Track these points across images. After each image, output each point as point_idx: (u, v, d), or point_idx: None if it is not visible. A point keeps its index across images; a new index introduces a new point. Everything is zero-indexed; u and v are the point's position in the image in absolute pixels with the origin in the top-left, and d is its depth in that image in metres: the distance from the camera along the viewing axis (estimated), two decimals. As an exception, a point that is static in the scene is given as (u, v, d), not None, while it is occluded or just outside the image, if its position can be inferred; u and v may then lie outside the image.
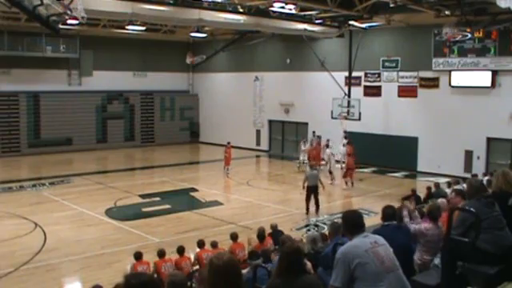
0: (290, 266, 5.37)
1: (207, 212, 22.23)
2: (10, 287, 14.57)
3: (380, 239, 5.70)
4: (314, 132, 34.50)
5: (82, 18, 19.37)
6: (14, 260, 16.26)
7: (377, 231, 7.36)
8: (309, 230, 19.39)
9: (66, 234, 18.96)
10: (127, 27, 36.01)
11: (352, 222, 5.90)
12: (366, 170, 31.88)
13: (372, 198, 24.59)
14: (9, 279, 14.94)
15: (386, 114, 32.61)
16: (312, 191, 22.01)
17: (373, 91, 33.41)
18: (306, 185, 22.13)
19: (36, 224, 20.18)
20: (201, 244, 14.01)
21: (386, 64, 32.76)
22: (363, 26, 31.79)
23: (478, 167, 27.82)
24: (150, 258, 13.26)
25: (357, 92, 33.62)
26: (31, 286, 14.12)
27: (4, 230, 19.43)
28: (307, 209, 22.00)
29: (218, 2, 26.36)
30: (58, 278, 15.07)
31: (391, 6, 24.97)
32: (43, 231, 19.26)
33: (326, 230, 16.90)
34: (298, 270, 5.41)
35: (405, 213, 9.25)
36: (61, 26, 23.08)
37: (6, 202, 23.76)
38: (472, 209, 6.75)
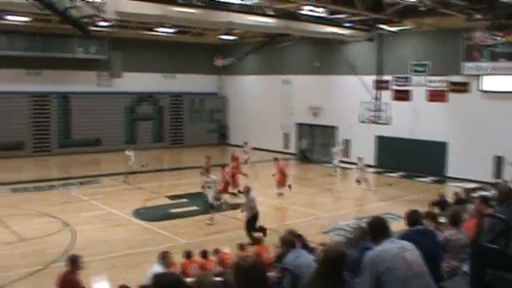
0: (330, 270, 5.32)
1: (234, 214, 22.24)
2: (39, 284, 14.78)
3: (407, 244, 5.66)
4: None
5: (113, 19, 19.54)
6: (44, 258, 16.49)
7: (403, 236, 7.31)
8: (336, 235, 19.31)
9: (94, 234, 19.14)
10: (157, 29, 36.30)
11: (378, 229, 5.88)
12: (394, 175, 31.70)
13: (400, 202, 24.40)
14: (38, 276, 15.16)
15: (414, 119, 32.31)
16: None
17: (402, 95, 33.18)
18: None
19: (65, 223, 20.42)
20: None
21: (416, 68, 32.51)
22: (392, 29, 31.61)
23: (509, 173, 27.46)
24: (177, 259, 13.30)
25: (386, 96, 33.46)
26: (59, 285, 14.25)
27: (34, 228, 19.68)
28: None
29: (248, 5, 26.41)
30: (86, 276, 15.13)
31: (421, 9, 24.83)
32: (72, 230, 19.48)
33: (352, 235, 16.82)
34: (339, 275, 5.35)
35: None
36: (91, 28, 23.37)
37: (37, 201, 24.07)
38: (502, 215, 6.67)
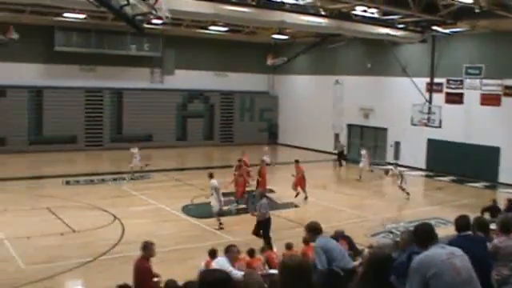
0: (375, 273, 5.30)
1: (282, 213, 22.25)
2: (88, 276, 15.09)
3: (457, 250, 5.57)
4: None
5: (166, 17, 19.75)
6: (93, 250, 16.82)
7: (451, 242, 7.21)
8: (383, 237, 19.14)
9: (143, 228, 19.37)
10: (209, 27, 36.52)
11: (424, 235, 5.81)
12: (444, 179, 31.25)
13: (449, 207, 24.01)
14: (87, 268, 15.47)
15: (467, 122, 31.77)
16: None
17: (454, 98, 32.64)
18: None
19: (115, 216, 20.76)
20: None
21: (469, 71, 31.92)
22: (447, 31, 31.10)
23: None
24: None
25: (438, 99, 33.03)
26: (107, 277, 14.47)
27: (85, 221, 20.06)
28: None
29: (300, 5, 26.37)
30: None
31: (476, 11, 24.38)
32: (121, 224, 19.78)
33: (400, 238, 16.65)
34: (383, 278, 5.32)
35: None
36: (145, 26, 23.66)
37: (88, 194, 24.52)
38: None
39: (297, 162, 26.28)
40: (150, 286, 11.11)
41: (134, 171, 29.06)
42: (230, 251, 11.80)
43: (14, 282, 14.15)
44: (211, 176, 20.35)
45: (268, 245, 16.62)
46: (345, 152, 36.72)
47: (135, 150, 29.31)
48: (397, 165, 27.89)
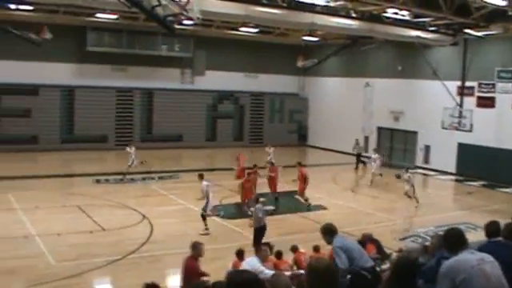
0: (401, 277, 5.26)
1: (310, 216, 22.22)
2: (116, 274, 15.24)
3: (487, 257, 5.51)
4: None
5: (197, 18, 19.84)
6: (122, 248, 17.00)
7: (481, 247, 7.12)
8: (412, 241, 19.02)
9: (171, 228, 19.51)
10: (240, 29, 36.60)
11: (455, 240, 5.76)
12: (474, 184, 30.89)
13: (479, 212, 23.73)
14: (116, 266, 15.62)
15: (498, 127, 31.35)
16: None
17: (486, 102, 32.22)
18: None
19: (144, 216, 20.92)
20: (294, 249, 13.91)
21: (502, 74, 31.49)
22: (479, 34, 30.72)
23: None
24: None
25: (469, 102, 32.69)
26: (135, 275, 14.59)
27: (114, 220, 20.26)
28: None
29: (331, 7, 26.29)
30: (162, 269, 15.52)
31: (509, 14, 24.10)
32: (150, 223, 19.92)
33: (429, 242, 16.52)
34: (410, 282, 5.28)
35: None
36: (176, 26, 23.80)
37: (118, 193, 24.74)
38: None
39: (299, 164, 25.75)
40: None
41: (127, 172, 28.42)
42: (261, 251, 11.84)
43: (44, 278, 14.35)
44: (201, 177, 20.15)
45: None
46: (363, 154, 36.05)
47: (131, 150, 28.84)
48: (407, 169, 26.45)
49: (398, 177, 26.62)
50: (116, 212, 21.67)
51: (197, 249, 11.78)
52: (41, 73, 35.82)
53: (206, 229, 19.19)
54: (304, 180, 24.42)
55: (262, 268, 10.61)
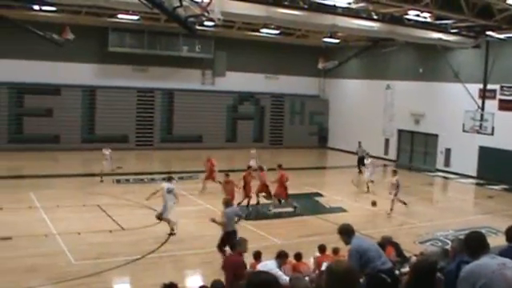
0: (419, 281, 5.23)
1: (330, 218, 22.15)
2: (135, 274, 15.32)
3: (508, 261, 5.44)
4: None
5: (218, 19, 19.87)
6: (141, 248, 17.09)
7: (502, 252, 7.05)
8: (432, 245, 18.90)
9: (190, 228, 19.55)
10: (261, 30, 36.63)
11: (476, 244, 5.70)
12: (495, 187, 30.62)
13: (500, 216, 23.54)
14: (135, 265, 15.72)
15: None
16: None
17: (508, 105, 31.96)
18: None
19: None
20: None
21: (524, 77, 31.25)
22: (501, 36, 30.49)
23: None
24: (270, 258, 13.37)
25: (491, 105, 32.41)
26: (155, 274, 14.67)
27: (134, 219, 20.36)
28: None
29: (353, 9, 26.21)
30: (181, 269, 15.57)
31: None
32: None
33: (449, 246, 16.42)
34: (428, 285, 5.24)
35: None
36: (197, 27, 23.85)
37: (138, 193, 24.79)
38: None
39: (279, 166, 24.45)
40: None
41: (103, 173, 27.86)
42: (282, 256, 11.91)
43: (64, 276, 14.48)
44: (169, 179, 19.83)
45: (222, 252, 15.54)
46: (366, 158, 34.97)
47: (107, 152, 28.29)
48: (395, 171, 24.96)
49: (374, 204, 24.36)
50: (136, 212, 21.77)
51: (243, 245, 12.10)
52: (63, 73, 36.14)
53: (172, 229, 18.89)
54: (282, 184, 23.31)
55: (279, 273, 10.62)
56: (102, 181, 27.61)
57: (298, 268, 13.04)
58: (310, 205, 24.87)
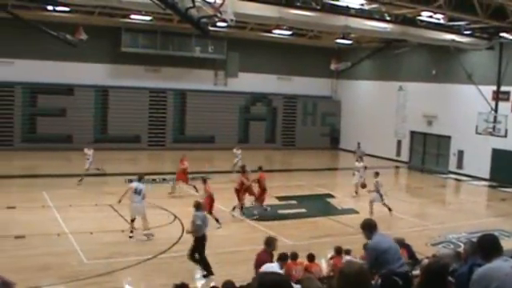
0: (430, 283, 5.21)
1: (342, 219, 22.14)
2: (147, 273, 15.34)
3: (522, 265, 5.41)
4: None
5: (231, 20, 19.88)
6: (153, 248, 17.16)
7: (514, 255, 7.00)
8: (444, 247, 18.83)
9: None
10: (274, 31, 36.62)
11: (489, 246, 5.67)
12: (509, 190, 30.43)
13: (514, 219, 23.44)
14: (147, 265, 15.76)
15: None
16: None
17: (522, 107, 31.79)
18: None
19: (175, 216, 21.03)
20: (295, 257, 13.57)
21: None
22: (515, 38, 30.34)
23: None
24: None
25: (504, 107, 32.22)
26: (166, 274, 14.71)
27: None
28: None
29: (365, 10, 26.15)
30: (192, 269, 15.56)
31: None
32: (181, 223, 19.99)
33: (462, 249, 16.35)
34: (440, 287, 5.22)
35: None
36: (210, 28, 23.88)
37: (149, 193, 24.64)
38: None
39: (260, 169, 23.94)
40: None
41: (84, 174, 27.27)
42: (284, 259, 12.07)
43: (76, 275, 14.54)
44: (140, 178, 19.58)
45: (206, 270, 15.24)
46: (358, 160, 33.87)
47: (89, 152, 27.66)
48: (377, 173, 24.16)
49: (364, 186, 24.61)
50: (147, 212, 21.73)
51: (272, 244, 12.22)
52: (76, 73, 36.30)
53: (148, 229, 18.66)
54: (262, 186, 22.93)
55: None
56: (81, 180, 26.88)
57: (309, 269, 13.05)
58: (321, 206, 24.86)
